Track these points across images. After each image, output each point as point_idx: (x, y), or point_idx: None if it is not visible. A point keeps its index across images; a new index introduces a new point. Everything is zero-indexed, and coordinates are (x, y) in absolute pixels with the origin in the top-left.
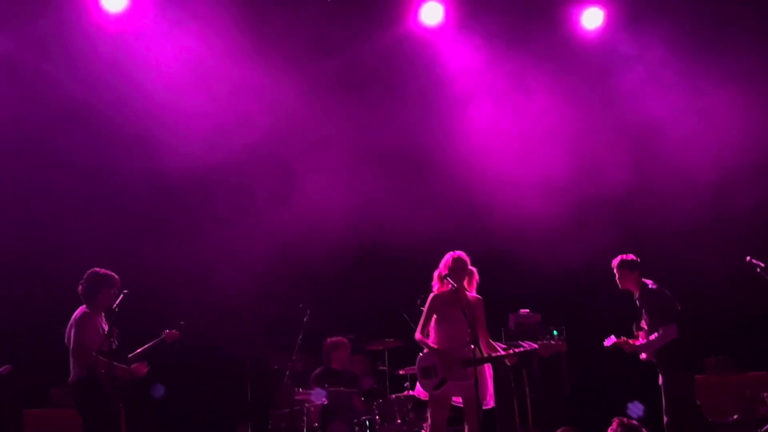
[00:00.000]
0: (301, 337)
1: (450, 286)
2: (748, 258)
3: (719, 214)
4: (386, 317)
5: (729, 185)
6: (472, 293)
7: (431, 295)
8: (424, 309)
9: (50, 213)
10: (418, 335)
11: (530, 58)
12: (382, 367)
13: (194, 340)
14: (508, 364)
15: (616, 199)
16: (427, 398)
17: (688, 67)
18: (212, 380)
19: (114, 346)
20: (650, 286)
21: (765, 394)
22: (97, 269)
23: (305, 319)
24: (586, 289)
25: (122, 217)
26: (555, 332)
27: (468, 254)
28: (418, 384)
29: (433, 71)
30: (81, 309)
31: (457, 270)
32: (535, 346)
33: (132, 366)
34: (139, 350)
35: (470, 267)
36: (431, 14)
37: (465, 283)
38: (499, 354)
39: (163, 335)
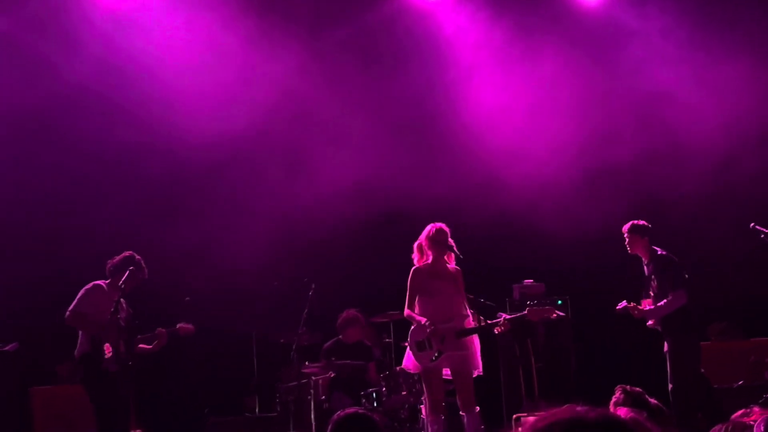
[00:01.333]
0: (306, 311)
1: (429, 258)
2: (752, 225)
3: (726, 182)
4: (391, 289)
5: (737, 154)
6: (451, 264)
7: (412, 268)
8: (408, 283)
9: (59, 193)
10: (406, 311)
11: (537, 26)
12: (387, 339)
13: (201, 315)
14: (497, 332)
15: (623, 169)
16: (416, 371)
17: (695, 36)
18: (219, 355)
19: (125, 322)
20: (659, 252)
21: None
22: (133, 253)
23: (310, 293)
24: (591, 259)
25: (131, 196)
26: (559, 302)
27: (475, 224)
28: (406, 357)
29: (442, 40)
30: (98, 281)
31: (441, 241)
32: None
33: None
34: (149, 334)
35: (450, 240)
36: None
37: (445, 256)
38: (489, 323)
39: (177, 327)
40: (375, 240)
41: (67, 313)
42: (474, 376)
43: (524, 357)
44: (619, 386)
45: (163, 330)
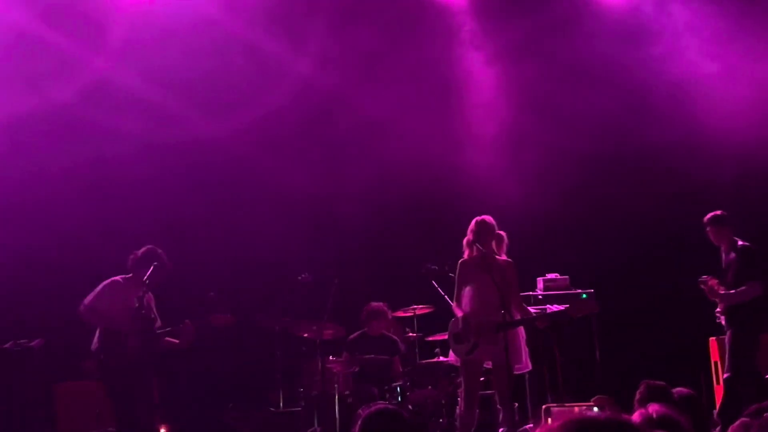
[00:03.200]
0: (330, 305)
1: (478, 251)
2: None
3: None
4: (416, 283)
5: None
6: (502, 257)
7: (459, 261)
8: (456, 277)
9: (84, 189)
10: (453, 303)
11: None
12: (411, 334)
13: (225, 309)
14: (540, 327)
15: (649, 160)
16: (459, 364)
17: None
18: (243, 349)
19: (146, 317)
20: (740, 243)
21: None
22: (155, 247)
23: (334, 287)
24: (617, 252)
25: (157, 189)
26: (584, 296)
27: (499, 218)
28: (451, 350)
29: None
30: (116, 277)
31: (481, 233)
32: (565, 307)
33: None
34: (170, 328)
35: (499, 231)
36: None
37: (494, 247)
38: (530, 317)
39: (210, 318)
40: (400, 234)
41: (80, 307)
42: (517, 372)
43: (549, 352)
44: (643, 381)
45: (189, 323)
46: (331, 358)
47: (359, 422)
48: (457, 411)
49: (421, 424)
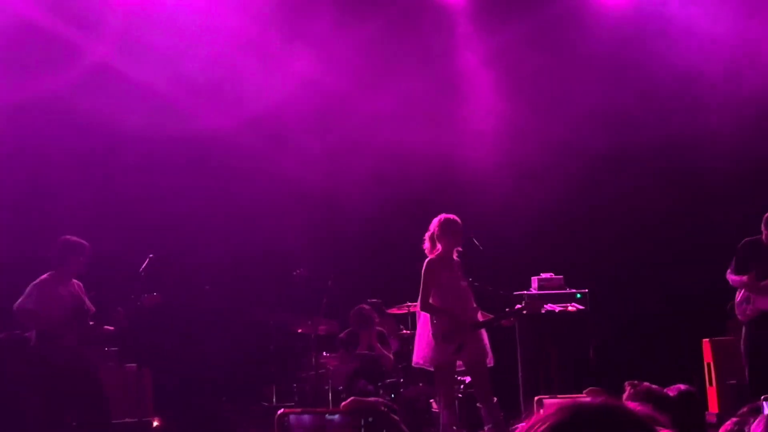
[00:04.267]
0: (325, 300)
1: (442, 249)
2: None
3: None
4: (409, 280)
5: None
6: (455, 256)
7: (426, 260)
8: (423, 275)
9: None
10: (423, 303)
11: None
12: (405, 331)
13: (219, 303)
14: (505, 324)
15: (648, 159)
16: (432, 366)
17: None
18: (237, 344)
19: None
20: None
21: None
22: (69, 237)
23: (329, 283)
24: (612, 251)
25: (151, 180)
26: (578, 295)
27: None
28: (418, 352)
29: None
30: (44, 275)
31: (455, 232)
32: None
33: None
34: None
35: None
36: None
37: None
38: (496, 316)
39: (141, 300)
40: (396, 230)
41: (14, 309)
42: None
43: (542, 349)
44: (627, 383)
45: (121, 310)
46: (325, 353)
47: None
48: (434, 411)
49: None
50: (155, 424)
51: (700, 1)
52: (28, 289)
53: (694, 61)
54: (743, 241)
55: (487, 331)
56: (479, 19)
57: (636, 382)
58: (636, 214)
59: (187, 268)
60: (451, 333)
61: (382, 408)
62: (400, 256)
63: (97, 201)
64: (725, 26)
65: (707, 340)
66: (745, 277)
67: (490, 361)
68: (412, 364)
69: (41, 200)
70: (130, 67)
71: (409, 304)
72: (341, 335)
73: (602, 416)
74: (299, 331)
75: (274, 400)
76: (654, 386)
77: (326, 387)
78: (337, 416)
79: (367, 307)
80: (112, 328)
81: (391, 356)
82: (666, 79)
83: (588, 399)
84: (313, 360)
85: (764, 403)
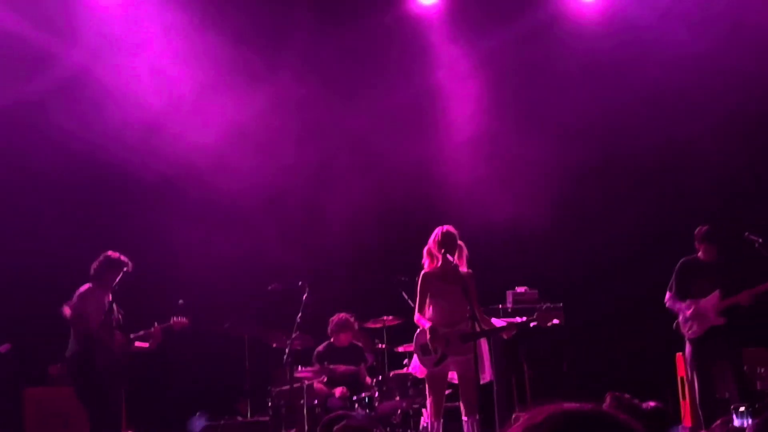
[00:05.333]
0: (300, 315)
1: (439, 261)
2: (746, 234)
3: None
4: (385, 295)
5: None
6: (463, 268)
7: (422, 273)
8: (418, 288)
9: (53, 189)
10: (416, 315)
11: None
12: (380, 345)
13: (194, 317)
14: (506, 337)
15: (622, 172)
16: (423, 376)
17: None
18: (211, 358)
19: (117, 322)
20: None
21: (762, 370)
22: (110, 252)
23: (304, 297)
24: (585, 265)
25: (126, 194)
26: (553, 309)
27: (464, 230)
28: (414, 362)
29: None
30: (85, 286)
31: (448, 244)
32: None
33: (134, 341)
34: (142, 332)
35: (459, 242)
36: None
37: (455, 258)
38: (496, 327)
39: (171, 322)
40: (371, 245)
41: (69, 313)
42: (482, 382)
43: (517, 363)
44: (608, 393)
45: (158, 327)
46: (299, 368)
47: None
48: (422, 423)
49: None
50: None
51: (676, 17)
52: (76, 298)
53: (670, 77)
54: (681, 262)
55: (490, 348)
56: (457, 34)
57: (617, 393)
58: (612, 229)
59: (161, 281)
60: (427, 346)
61: None
62: (376, 271)
63: (70, 212)
64: (703, 43)
65: (680, 354)
66: (689, 307)
67: (487, 376)
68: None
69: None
70: (104, 76)
71: (385, 318)
72: (319, 348)
73: (592, 421)
74: (274, 345)
75: (248, 414)
76: (635, 400)
77: (301, 402)
78: None
79: (343, 314)
80: (146, 344)
81: (370, 355)
82: (641, 94)
83: (575, 405)
84: (288, 375)
85: (734, 415)
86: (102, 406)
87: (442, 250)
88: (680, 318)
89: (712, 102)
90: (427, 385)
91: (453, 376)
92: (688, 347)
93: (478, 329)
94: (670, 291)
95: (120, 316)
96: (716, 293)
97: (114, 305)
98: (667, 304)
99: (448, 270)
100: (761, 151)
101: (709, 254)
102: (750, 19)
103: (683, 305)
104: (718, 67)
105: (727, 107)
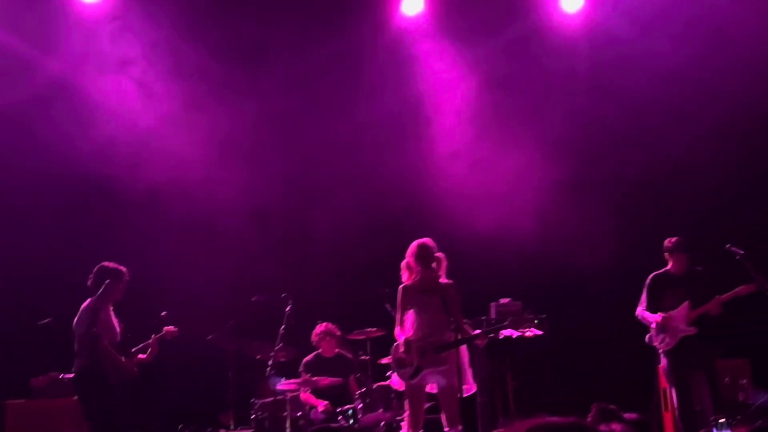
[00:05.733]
0: (284, 327)
1: (417, 275)
2: (727, 245)
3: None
4: (369, 306)
5: None
6: (442, 279)
7: (400, 287)
8: (398, 302)
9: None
10: (396, 329)
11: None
12: (364, 357)
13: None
14: (480, 345)
15: (601, 188)
16: (402, 389)
17: None
18: (195, 370)
19: (117, 340)
20: None
21: (743, 381)
22: (106, 263)
23: (288, 309)
24: (569, 277)
25: (109, 207)
26: (536, 321)
27: (448, 241)
28: (394, 375)
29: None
30: (89, 300)
31: (425, 257)
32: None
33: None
34: (141, 345)
35: (438, 253)
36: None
37: (435, 269)
38: (468, 336)
39: (163, 332)
40: (355, 257)
41: (86, 333)
42: (465, 394)
43: (500, 374)
44: (594, 405)
45: (155, 337)
46: (283, 380)
47: None
48: None
49: None
50: None
51: (659, 30)
52: (87, 312)
53: (653, 89)
54: (651, 276)
55: (471, 359)
56: (441, 45)
57: (603, 405)
58: (594, 240)
59: (146, 293)
60: (402, 359)
61: None
62: (360, 283)
63: (54, 225)
64: (685, 56)
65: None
66: (658, 317)
67: (470, 388)
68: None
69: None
70: (90, 90)
71: (369, 330)
72: (307, 358)
73: None
74: (257, 357)
75: (231, 426)
76: (620, 411)
77: (284, 414)
78: None
79: (324, 323)
80: (144, 356)
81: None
82: (624, 105)
83: (556, 419)
84: (272, 387)
85: (714, 428)
86: (108, 423)
87: (418, 264)
88: (652, 331)
89: (694, 114)
90: (406, 398)
91: (433, 388)
92: (663, 360)
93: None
94: (641, 306)
95: (120, 330)
96: (686, 304)
97: (114, 318)
98: (638, 318)
99: (426, 282)
100: (744, 163)
101: (679, 265)
102: (733, 31)
103: (654, 317)
104: (701, 80)
105: (709, 120)
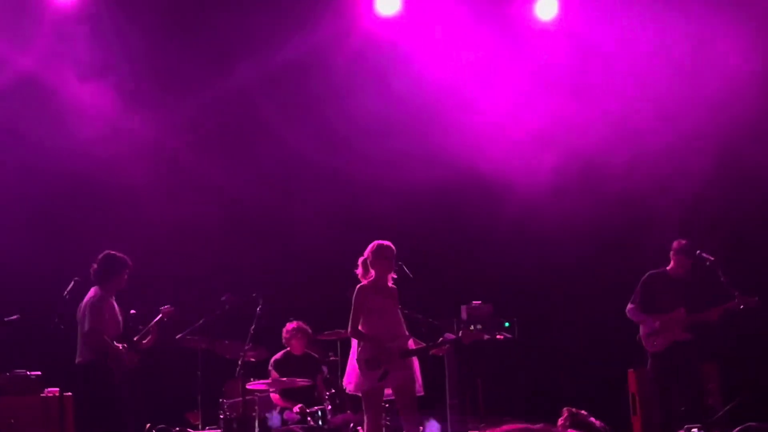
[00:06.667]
0: (253, 326)
1: (372, 275)
2: (698, 252)
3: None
4: (338, 306)
5: None
6: (390, 283)
7: (358, 286)
8: (353, 302)
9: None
10: (351, 329)
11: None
12: (333, 357)
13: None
14: (441, 354)
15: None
16: (359, 391)
17: None
18: (162, 369)
19: (121, 330)
20: None
21: (711, 385)
22: (112, 251)
23: (258, 309)
24: (540, 280)
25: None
26: (507, 324)
27: (420, 243)
28: (348, 376)
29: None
30: (94, 290)
31: (389, 258)
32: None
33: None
34: (142, 331)
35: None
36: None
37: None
38: (428, 345)
39: (160, 313)
40: (323, 257)
41: (87, 331)
42: (420, 392)
43: (470, 378)
44: (565, 409)
45: (154, 322)
46: (252, 379)
47: None
48: None
49: None
50: None
51: (635, 41)
52: (90, 309)
53: (631, 101)
54: (648, 274)
55: (419, 360)
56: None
57: (574, 410)
58: (565, 245)
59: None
60: (374, 359)
61: None
62: (330, 282)
63: (30, 222)
64: (663, 68)
65: (632, 370)
66: (656, 322)
67: (419, 390)
68: (343, 387)
69: None
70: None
71: (339, 330)
72: (276, 356)
73: None
74: (227, 357)
75: (199, 426)
76: (590, 417)
77: (253, 414)
78: None
79: (295, 321)
80: (146, 342)
81: (324, 368)
82: (603, 115)
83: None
84: (240, 386)
85: None
86: (115, 413)
87: (378, 264)
88: (643, 331)
89: (672, 125)
90: (364, 402)
91: (387, 393)
92: (649, 361)
93: (413, 344)
94: (633, 303)
95: (122, 318)
96: (681, 309)
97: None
98: (628, 315)
99: (381, 284)
100: (722, 174)
101: (681, 269)
102: (711, 43)
103: (649, 318)
104: (678, 93)
105: (686, 131)
